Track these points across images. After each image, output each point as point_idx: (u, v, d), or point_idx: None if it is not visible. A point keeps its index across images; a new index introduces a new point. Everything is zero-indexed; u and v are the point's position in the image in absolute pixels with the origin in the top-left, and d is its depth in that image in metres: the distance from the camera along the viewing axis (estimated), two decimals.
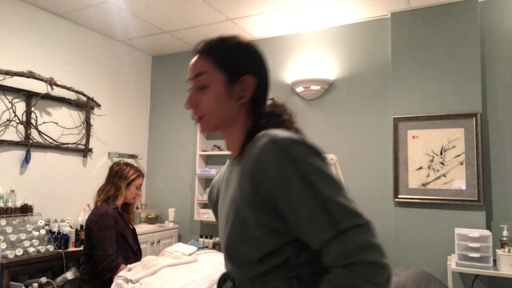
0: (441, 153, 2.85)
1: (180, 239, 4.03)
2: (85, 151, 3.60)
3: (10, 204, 2.89)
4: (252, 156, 0.77)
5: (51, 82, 3.24)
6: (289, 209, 0.73)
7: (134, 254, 2.39)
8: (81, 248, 3.06)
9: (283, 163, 0.72)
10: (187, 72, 0.89)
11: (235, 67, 0.86)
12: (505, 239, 2.48)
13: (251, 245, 0.77)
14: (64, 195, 3.43)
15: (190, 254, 2.41)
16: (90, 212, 2.42)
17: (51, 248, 2.87)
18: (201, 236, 3.70)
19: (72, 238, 3.06)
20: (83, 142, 3.60)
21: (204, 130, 0.89)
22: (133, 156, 4.11)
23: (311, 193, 0.71)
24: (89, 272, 2.26)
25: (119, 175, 2.41)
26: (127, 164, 2.49)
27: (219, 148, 3.88)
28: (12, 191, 2.98)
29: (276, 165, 0.73)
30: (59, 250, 2.90)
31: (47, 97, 3.26)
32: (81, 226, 3.20)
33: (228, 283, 0.90)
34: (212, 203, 1.04)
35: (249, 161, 0.78)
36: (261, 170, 0.75)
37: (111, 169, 2.47)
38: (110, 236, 2.22)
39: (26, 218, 2.93)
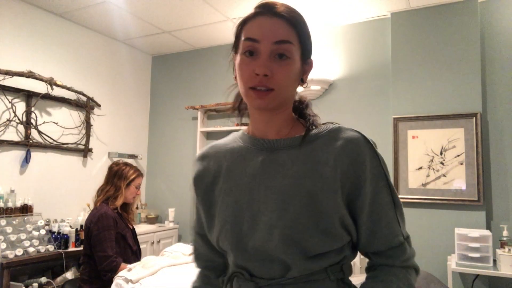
0: (441, 153, 2.85)
1: (180, 239, 4.03)
2: (85, 151, 3.60)
3: (10, 204, 2.89)
4: (339, 147, 0.75)
5: (51, 82, 3.24)
6: (368, 208, 0.75)
7: (134, 254, 2.39)
8: (81, 248, 3.06)
9: (377, 162, 0.76)
10: (259, 32, 0.74)
11: (309, 47, 0.80)
12: (505, 239, 2.48)
13: (326, 238, 0.72)
14: (64, 195, 3.43)
15: (190, 254, 2.41)
16: (89, 212, 2.42)
17: (51, 248, 2.87)
18: None
19: (72, 238, 3.06)
20: (83, 142, 3.60)
21: (265, 105, 0.75)
22: (133, 156, 4.10)
23: (391, 197, 0.77)
24: (89, 273, 2.26)
25: (119, 175, 2.41)
26: (126, 164, 2.49)
27: None
28: (12, 191, 2.98)
29: (372, 162, 0.75)
30: (59, 250, 2.90)
31: (47, 97, 3.25)
32: (81, 226, 3.20)
33: (246, 283, 0.76)
34: (203, 187, 0.89)
35: (335, 151, 0.75)
36: (357, 163, 0.74)
37: (110, 169, 2.47)
38: (109, 237, 2.22)
39: (26, 218, 2.93)
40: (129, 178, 2.41)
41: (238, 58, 0.78)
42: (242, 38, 0.77)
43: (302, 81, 0.81)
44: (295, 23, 0.76)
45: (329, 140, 0.77)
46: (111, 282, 2.10)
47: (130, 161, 4.16)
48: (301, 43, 0.77)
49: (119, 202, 2.38)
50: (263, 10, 0.76)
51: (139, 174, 2.49)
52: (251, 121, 0.85)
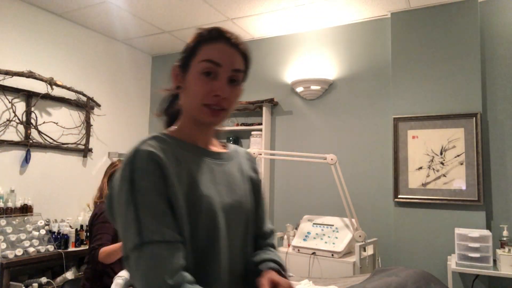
0: (441, 153, 2.85)
1: None
2: (85, 151, 3.60)
3: (10, 204, 2.89)
4: (246, 157, 1.03)
5: (51, 82, 3.24)
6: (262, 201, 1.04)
7: None
8: (81, 248, 3.07)
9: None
10: (227, 59, 0.84)
11: (247, 74, 0.93)
12: (505, 239, 2.48)
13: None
14: (64, 195, 3.43)
15: None
16: (92, 212, 2.41)
17: (51, 248, 2.87)
18: None
19: (72, 238, 3.06)
20: (83, 142, 3.60)
21: (216, 123, 0.88)
22: None
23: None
24: (94, 271, 2.26)
25: (104, 173, 2.41)
26: (119, 161, 2.47)
27: None
28: (12, 191, 2.98)
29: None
30: (59, 250, 2.90)
31: (47, 97, 3.26)
32: (81, 226, 3.20)
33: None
34: (185, 183, 0.81)
35: (246, 160, 1.02)
36: (256, 170, 1.05)
37: (107, 168, 2.47)
38: (105, 230, 2.14)
39: (26, 218, 2.93)
40: (109, 172, 2.37)
41: (191, 75, 0.85)
42: (201, 58, 0.84)
43: None
44: (245, 55, 0.89)
45: (237, 152, 1.01)
46: (111, 279, 2.10)
47: None
48: (245, 72, 0.90)
49: None
50: (223, 39, 0.85)
51: None
52: (185, 129, 0.90)
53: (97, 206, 2.33)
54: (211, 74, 0.83)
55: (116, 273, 2.15)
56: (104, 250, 2.09)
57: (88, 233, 2.32)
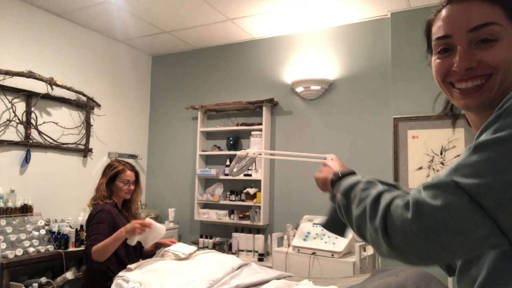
0: (441, 153, 2.85)
1: (180, 239, 4.02)
2: (85, 151, 3.60)
3: (10, 204, 2.89)
4: None
5: (51, 82, 3.24)
6: None
7: (134, 250, 2.38)
8: (81, 248, 3.07)
9: None
10: (449, 25, 0.66)
11: None
12: None
13: None
14: (64, 195, 3.43)
15: (190, 254, 2.42)
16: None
17: (51, 248, 2.87)
18: (201, 236, 3.70)
19: (72, 238, 3.06)
20: (83, 142, 3.60)
21: (484, 100, 0.64)
22: (133, 156, 4.10)
23: None
24: (91, 271, 2.26)
25: (102, 173, 2.41)
26: (116, 161, 2.44)
27: (219, 148, 3.88)
28: (12, 191, 2.98)
29: None
30: (59, 250, 2.90)
31: (47, 97, 3.26)
32: (81, 226, 3.20)
33: None
34: None
35: None
36: None
37: (105, 170, 2.44)
38: (96, 231, 2.14)
39: (26, 218, 2.93)
40: (109, 175, 2.35)
41: (433, 59, 0.72)
42: (433, 39, 0.71)
43: None
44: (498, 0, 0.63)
45: None
46: (111, 280, 2.10)
47: (130, 161, 4.16)
48: (511, 17, 0.64)
49: (115, 199, 2.37)
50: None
51: (126, 168, 2.39)
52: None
53: (93, 206, 2.33)
54: (449, 50, 0.69)
55: (114, 274, 2.15)
56: (96, 247, 2.06)
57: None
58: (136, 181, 2.46)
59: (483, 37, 0.63)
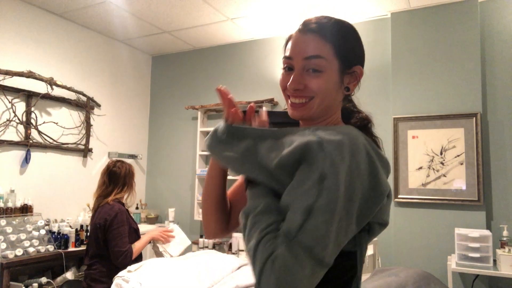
0: (441, 153, 2.85)
1: None
2: (85, 151, 3.60)
3: (10, 204, 2.89)
4: None
5: (51, 82, 3.24)
6: None
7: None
8: (81, 248, 3.07)
9: None
10: (292, 49, 0.80)
11: (349, 56, 0.81)
12: (505, 239, 2.48)
13: None
14: (64, 195, 3.43)
15: (179, 255, 2.49)
16: (99, 211, 2.35)
17: (51, 248, 2.87)
18: (201, 236, 3.70)
19: (72, 238, 3.06)
20: (83, 142, 3.60)
21: (305, 115, 0.81)
22: (133, 156, 4.11)
23: None
24: (100, 272, 2.25)
25: (130, 174, 2.46)
26: (119, 161, 2.49)
27: None
28: (12, 191, 2.98)
29: None
30: (59, 250, 2.90)
31: (47, 97, 3.25)
32: (81, 226, 3.20)
33: None
34: None
35: None
36: None
37: (116, 171, 2.42)
38: (124, 233, 2.28)
39: (26, 218, 2.93)
40: (134, 176, 2.50)
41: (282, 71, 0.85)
42: (283, 54, 0.83)
43: (348, 89, 0.83)
44: (330, 38, 0.78)
45: None
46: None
47: (129, 161, 4.17)
48: (339, 56, 0.79)
49: (129, 199, 2.47)
50: (299, 27, 0.82)
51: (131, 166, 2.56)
52: None
53: (107, 208, 2.31)
54: (291, 69, 0.82)
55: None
56: (137, 249, 2.33)
57: (100, 231, 2.31)
58: None
59: (312, 67, 0.78)
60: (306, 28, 0.80)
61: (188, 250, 2.87)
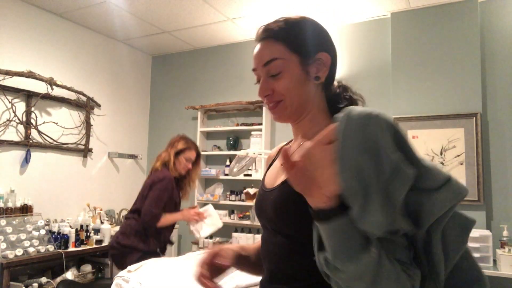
0: (441, 153, 2.85)
1: (180, 239, 4.03)
2: (85, 151, 3.60)
3: (10, 204, 2.89)
4: None
5: (51, 82, 3.24)
6: None
7: (171, 225, 2.53)
8: (81, 248, 3.08)
9: None
10: (254, 61, 0.82)
11: (307, 46, 0.81)
12: (505, 239, 2.48)
13: None
14: (64, 195, 3.43)
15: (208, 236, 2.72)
16: (149, 174, 2.51)
17: (51, 248, 2.87)
18: None
19: (72, 238, 3.06)
20: (83, 142, 3.60)
21: (281, 117, 0.83)
22: (133, 156, 4.11)
23: None
24: (131, 228, 2.36)
25: (171, 144, 2.53)
26: (183, 137, 2.56)
27: (219, 148, 3.88)
28: (12, 191, 2.98)
29: None
30: (59, 250, 2.90)
31: (47, 97, 3.25)
32: (81, 226, 3.20)
33: None
34: None
35: None
36: None
37: (171, 139, 2.59)
38: (163, 198, 2.34)
39: (26, 218, 2.93)
40: (177, 148, 2.48)
41: None
42: None
43: (319, 78, 0.81)
44: (280, 37, 0.80)
45: None
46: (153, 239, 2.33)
47: (130, 161, 4.17)
48: (295, 50, 0.79)
49: (173, 171, 2.45)
50: (255, 38, 0.84)
51: (192, 147, 2.53)
52: None
53: (157, 172, 2.42)
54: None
55: (165, 237, 2.43)
56: (166, 219, 2.36)
57: (146, 190, 2.42)
58: (196, 161, 2.59)
59: (272, 71, 0.79)
60: (258, 38, 0.83)
61: (217, 232, 2.91)
